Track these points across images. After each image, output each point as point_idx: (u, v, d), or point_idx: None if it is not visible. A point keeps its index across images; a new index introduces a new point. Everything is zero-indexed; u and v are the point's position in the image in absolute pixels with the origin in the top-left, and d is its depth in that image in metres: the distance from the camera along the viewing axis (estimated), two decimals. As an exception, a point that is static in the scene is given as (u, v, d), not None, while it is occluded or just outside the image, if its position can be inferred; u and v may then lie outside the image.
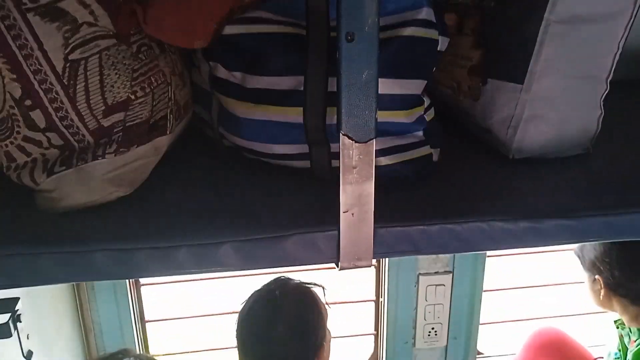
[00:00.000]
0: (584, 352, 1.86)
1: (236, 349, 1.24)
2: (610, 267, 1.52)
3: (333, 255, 0.76)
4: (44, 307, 1.39)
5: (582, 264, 1.61)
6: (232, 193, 0.84)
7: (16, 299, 0.98)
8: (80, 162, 0.74)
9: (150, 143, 0.78)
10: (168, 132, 0.81)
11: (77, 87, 0.71)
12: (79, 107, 0.71)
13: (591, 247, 1.55)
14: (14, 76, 0.68)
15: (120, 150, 0.75)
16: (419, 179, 0.86)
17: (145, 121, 0.77)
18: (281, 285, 1.25)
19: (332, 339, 1.28)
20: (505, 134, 0.91)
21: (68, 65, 0.69)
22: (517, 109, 0.88)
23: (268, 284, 1.26)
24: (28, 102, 0.70)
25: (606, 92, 0.90)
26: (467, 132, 1.04)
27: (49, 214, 0.76)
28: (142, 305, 1.75)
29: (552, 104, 0.88)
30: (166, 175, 0.85)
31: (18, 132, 0.72)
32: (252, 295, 1.26)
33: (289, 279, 1.28)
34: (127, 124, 0.75)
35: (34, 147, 0.73)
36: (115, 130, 0.74)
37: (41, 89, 0.69)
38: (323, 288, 1.29)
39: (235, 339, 1.23)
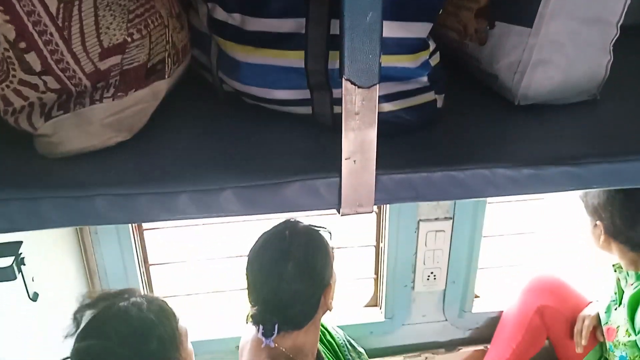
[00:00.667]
0: (580, 295, 1.90)
1: (245, 287, 1.28)
2: (612, 215, 1.54)
3: (334, 202, 0.76)
4: (48, 251, 1.41)
5: (585, 208, 1.62)
6: (233, 139, 0.84)
7: (19, 243, 0.99)
8: (78, 106, 0.73)
9: (148, 87, 0.77)
10: (166, 76, 0.80)
11: (72, 28, 0.69)
12: (74, 49, 0.70)
13: (595, 194, 1.56)
14: (7, 17, 0.66)
15: (118, 94, 0.74)
16: (422, 126, 0.85)
17: (143, 65, 0.76)
18: (291, 227, 1.28)
19: (336, 281, 1.32)
20: (512, 79, 0.89)
21: (62, 5, 0.67)
22: (525, 54, 0.86)
23: (278, 225, 1.30)
24: (22, 45, 0.68)
25: (616, 36, 0.88)
26: (473, 78, 1.02)
27: (49, 159, 0.76)
28: (146, 249, 1.78)
29: (560, 48, 0.86)
30: (165, 121, 0.84)
31: (14, 76, 0.71)
32: (262, 235, 1.29)
33: (298, 221, 1.31)
34: (124, 68, 0.74)
35: (30, 90, 0.72)
36: (112, 73, 0.73)
37: (35, 30, 0.68)
38: (330, 232, 1.33)
39: (245, 276, 1.27)
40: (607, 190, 1.52)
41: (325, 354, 1.45)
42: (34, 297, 1.13)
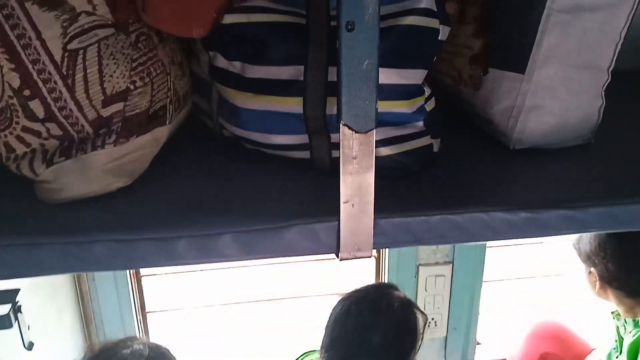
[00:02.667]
0: (583, 342, 1.87)
1: (319, 347, 1.22)
2: (605, 260, 1.53)
3: (333, 246, 0.76)
4: (44, 298, 1.39)
5: (579, 256, 1.62)
6: (232, 183, 0.84)
7: (16, 290, 0.98)
8: (80, 152, 0.73)
9: (149, 133, 0.78)
10: (167, 123, 0.81)
11: (76, 77, 0.70)
12: (77, 97, 0.71)
13: (587, 240, 1.56)
14: (13, 66, 0.68)
15: (120, 140, 0.74)
16: (419, 170, 0.86)
17: (145, 111, 0.77)
18: (388, 296, 1.21)
19: None
20: (506, 124, 0.90)
21: (67, 54, 0.69)
22: (518, 99, 0.88)
23: (376, 286, 1.24)
24: (27, 92, 0.69)
25: (608, 81, 0.90)
26: (468, 123, 1.03)
27: (49, 205, 0.76)
28: (143, 296, 1.76)
29: (553, 93, 0.88)
30: (166, 166, 0.84)
31: (17, 123, 0.72)
32: (353, 293, 1.23)
33: (396, 288, 1.24)
34: (126, 114, 0.75)
35: (33, 137, 0.73)
36: (114, 120, 0.74)
37: (40, 78, 0.69)
38: (426, 316, 1.24)
39: (325, 330, 1.21)
40: (599, 235, 1.51)
41: None
42: (29, 347, 1.11)
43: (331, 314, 1.22)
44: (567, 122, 0.90)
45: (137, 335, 1.72)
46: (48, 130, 0.73)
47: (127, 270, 1.61)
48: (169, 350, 1.12)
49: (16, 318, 0.97)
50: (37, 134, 0.73)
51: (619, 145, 0.98)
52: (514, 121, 0.89)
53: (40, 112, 0.71)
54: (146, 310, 1.79)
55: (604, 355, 1.71)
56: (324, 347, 1.20)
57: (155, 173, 0.82)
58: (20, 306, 0.99)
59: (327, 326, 1.21)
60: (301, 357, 1.48)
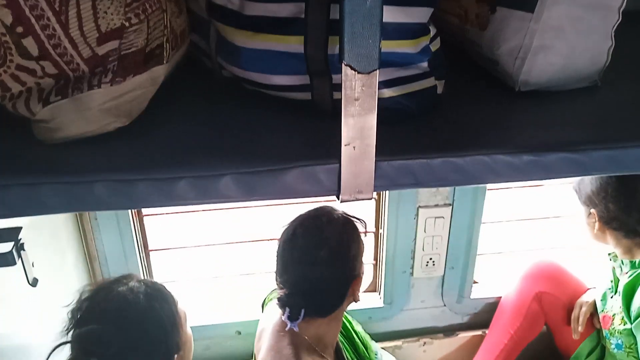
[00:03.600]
0: (578, 282, 1.91)
1: (274, 270, 1.28)
2: (605, 201, 1.55)
3: (334, 188, 0.76)
4: (47, 236, 1.41)
5: (579, 198, 1.63)
6: (232, 125, 0.83)
7: (19, 228, 0.99)
8: (76, 91, 0.72)
9: (146, 72, 0.76)
10: (165, 62, 0.79)
11: (69, 13, 0.68)
12: (71, 34, 0.69)
13: (588, 181, 1.57)
14: (4, 2, 0.66)
15: (116, 79, 0.73)
16: (422, 112, 0.84)
17: (141, 50, 0.75)
18: (327, 213, 1.28)
19: (364, 273, 1.32)
20: (513, 65, 0.88)
21: (59, -11, 0.66)
22: (526, 39, 0.86)
23: (314, 210, 1.30)
24: (20, 29, 0.67)
25: (618, 22, 0.87)
26: (473, 64, 1.01)
27: (48, 145, 0.75)
28: (146, 235, 1.78)
29: (561, 34, 0.85)
30: (164, 107, 0.83)
31: (11, 61, 0.70)
32: (296, 218, 1.29)
33: (334, 208, 1.31)
34: (122, 53, 0.73)
35: (28, 76, 0.72)
36: (110, 59, 0.72)
37: (32, 15, 0.67)
38: (364, 222, 1.32)
39: (275, 257, 1.27)
40: (600, 177, 1.52)
41: (344, 346, 1.45)
42: (34, 283, 1.13)
43: (279, 241, 1.27)
44: (575, 64, 0.88)
45: (141, 273, 1.75)
46: (43, 68, 0.71)
47: (129, 210, 1.63)
48: (164, 287, 1.14)
49: (19, 255, 0.98)
50: (32, 72, 0.71)
51: (626, 88, 0.96)
52: (521, 62, 0.87)
53: (34, 50, 0.69)
54: (149, 249, 1.81)
55: (599, 295, 1.75)
56: (278, 273, 1.27)
57: (154, 113, 0.81)
58: (23, 244, 1.00)
59: (277, 253, 1.27)
60: (270, 294, 1.54)
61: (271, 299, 1.49)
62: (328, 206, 1.32)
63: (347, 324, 1.53)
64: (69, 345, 1.03)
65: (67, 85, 0.73)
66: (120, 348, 1.02)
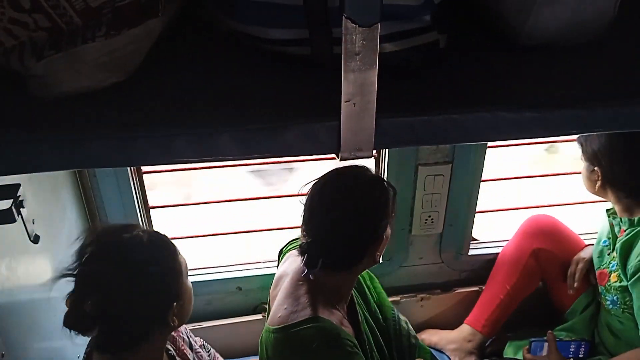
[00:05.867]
0: (575, 238, 1.92)
1: (301, 215, 1.32)
2: (611, 161, 1.54)
3: (333, 146, 0.75)
4: (46, 193, 1.41)
5: (583, 152, 1.62)
6: (230, 81, 0.82)
7: (17, 185, 0.99)
8: (70, 45, 0.71)
9: (141, 26, 0.74)
10: (160, 14, 0.77)
11: (61, -37, 0.66)
12: (63, -15, 0.67)
13: (595, 138, 1.55)
14: (-5, -47, 0.63)
15: (111, 33, 0.71)
16: (424, 67, 0.83)
17: (135, 2, 0.73)
18: (361, 173, 1.32)
19: (389, 237, 1.35)
20: (517, 18, 0.86)
21: (49, -62, 0.64)
22: (532, -9, 0.83)
23: (349, 167, 1.32)
24: (11, -19, 0.65)
25: (627, -26, 0.85)
26: (477, 17, 0.99)
27: (44, 101, 0.74)
28: (145, 192, 1.78)
29: (569, -15, 0.83)
30: (160, 62, 0.81)
31: (3, 14, 0.68)
32: (331, 171, 1.32)
33: (367, 168, 1.35)
34: (116, 5, 0.71)
35: (20, 29, 0.70)
36: (104, 11, 0.71)
37: (24, -34, 0.65)
38: (395, 189, 1.34)
39: (303, 205, 1.32)
40: (608, 136, 1.51)
41: (357, 300, 1.48)
42: (35, 240, 1.14)
43: (309, 191, 1.31)
44: (581, 17, 0.86)
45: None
46: (35, 21, 0.70)
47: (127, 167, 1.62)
48: (166, 237, 1.17)
49: (19, 212, 0.98)
50: (25, 25, 0.70)
51: (632, 44, 0.94)
52: (526, 15, 0.84)
53: (25, 2, 0.68)
54: (149, 205, 1.82)
55: (596, 252, 1.77)
56: (304, 221, 1.31)
57: (150, 69, 0.79)
58: (22, 201, 1.00)
59: (305, 202, 1.31)
60: (287, 245, 1.57)
61: (289, 249, 1.53)
62: (363, 165, 1.35)
63: (361, 279, 1.55)
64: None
65: (61, 39, 0.71)
66: (120, 289, 1.07)
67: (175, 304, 1.13)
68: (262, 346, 1.35)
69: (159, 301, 1.12)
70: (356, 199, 1.25)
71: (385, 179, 1.36)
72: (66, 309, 1.07)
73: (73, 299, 1.07)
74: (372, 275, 1.63)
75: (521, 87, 0.83)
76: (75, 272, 1.08)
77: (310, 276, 1.30)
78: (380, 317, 1.54)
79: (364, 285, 1.55)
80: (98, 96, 0.75)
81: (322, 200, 1.27)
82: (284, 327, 1.27)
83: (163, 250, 1.14)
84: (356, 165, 1.33)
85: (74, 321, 1.07)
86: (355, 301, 1.45)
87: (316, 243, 1.27)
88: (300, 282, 1.32)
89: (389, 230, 1.33)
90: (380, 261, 1.34)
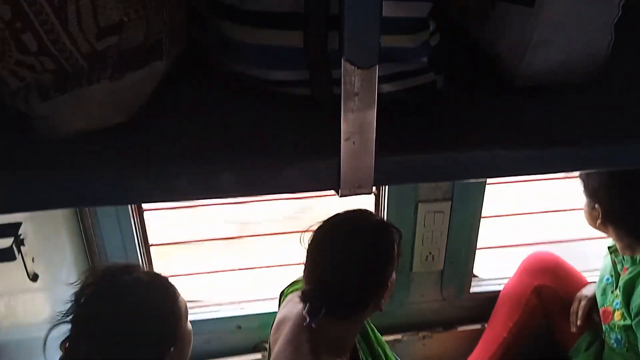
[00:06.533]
0: (577, 275, 1.91)
1: (304, 263, 1.28)
2: (612, 198, 1.54)
3: (333, 183, 0.76)
4: (47, 232, 1.41)
5: (584, 188, 1.62)
6: (231, 121, 0.83)
7: (18, 224, 1.00)
8: (75, 87, 0.72)
9: (146, 68, 0.76)
10: (164, 57, 0.79)
11: (68, 8, 0.68)
12: (70, 29, 0.69)
13: (595, 176, 1.56)
14: (3, -3, 0.65)
15: (116, 75, 0.73)
16: (422, 107, 0.84)
17: (140, 45, 0.75)
18: (366, 218, 1.29)
19: (394, 283, 1.32)
20: (512, 60, 0.88)
21: (57, -15, 0.66)
22: (526, 34, 0.85)
23: (353, 211, 1.30)
24: (18, 25, 0.67)
25: (618, 16, 0.87)
26: (473, 59, 1.01)
27: (48, 141, 0.75)
28: (146, 230, 1.78)
29: (561, 28, 0.85)
30: (164, 103, 0.83)
31: (10, 56, 0.70)
32: (333, 218, 1.29)
33: (372, 213, 1.33)
34: (121, 48, 0.73)
35: (27, 71, 0.71)
36: (109, 54, 0.72)
37: (31, 10, 0.66)
38: (400, 232, 1.31)
39: (306, 251, 1.28)
40: (608, 174, 1.52)
41: (363, 350, 1.44)
42: (34, 278, 1.14)
43: (311, 240, 1.27)
44: (575, 58, 0.88)
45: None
46: (42, 64, 0.71)
47: (129, 205, 1.63)
48: (167, 280, 1.16)
49: (19, 251, 0.98)
50: (31, 67, 0.71)
51: (626, 82, 0.96)
52: (521, 57, 0.87)
53: (32, 46, 0.69)
54: (149, 244, 1.82)
55: (599, 290, 1.75)
56: (306, 267, 1.27)
57: (153, 110, 0.80)
58: (23, 239, 1.01)
59: (307, 251, 1.27)
60: (289, 286, 1.53)
61: (291, 292, 1.49)
62: (367, 210, 1.32)
63: (368, 328, 1.51)
64: None
65: (66, 81, 0.72)
66: (115, 333, 1.05)
67: (173, 348, 1.12)
68: None
69: (156, 346, 1.10)
70: (361, 247, 1.22)
71: (390, 222, 1.32)
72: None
73: (68, 344, 1.05)
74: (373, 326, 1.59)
75: (518, 126, 0.84)
76: (71, 316, 1.06)
77: (313, 325, 1.25)
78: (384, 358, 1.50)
79: (367, 328, 1.51)
80: (101, 136, 0.76)
81: (325, 247, 1.24)
82: None
83: (163, 294, 1.12)
84: (360, 210, 1.30)
85: None
86: (358, 346, 1.41)
87: (318, 292, 1.24)
88: (302, 330, 1.28)
89: (394, 276, 1.30)
90: (384, 309, 1.30)
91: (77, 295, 1.07)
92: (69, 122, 0.74)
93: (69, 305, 1.06)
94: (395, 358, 1.55)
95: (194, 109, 0.86)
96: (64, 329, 1.06)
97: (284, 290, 1.55)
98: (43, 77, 0.72)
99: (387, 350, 1.55)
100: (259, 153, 0.75)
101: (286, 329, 1.33)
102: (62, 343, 1.05)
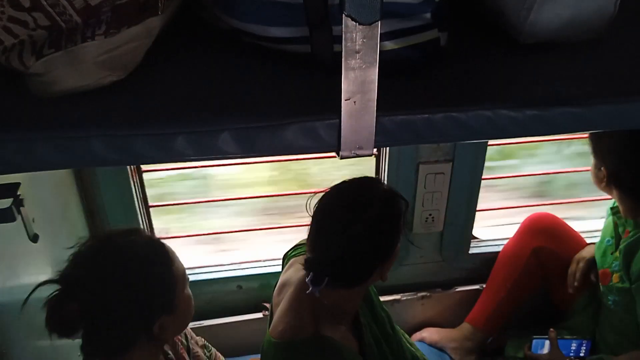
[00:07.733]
0: (576, 236, 1.92)
1: (307, 227, 1.26)
2: (619, 162, 1.53)
3: (334, 144, 0.75)
4: (47, 192, 1.41)
5: (592, 148, 1.61)
6: (230, 79, 0.81)
7: (17, 184, 0.99)
8: (70, 44, 0.70)
9: (141, 24, 0.74)
10: (159, 12, 0.76)
11: (60, -39, 0.66)
12: (63, -16, 0.67)
13: (605, 138, 1.54)
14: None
15: (110, 31, 0.71)
16: (424, 65, 0.82)
17: (135, 0, 0.72)
18: (374, 187, 1.25)
19: (398, 254, 1.29)
20: (518, 16, 0.86)
21: (48, -63, 0.64)
22: (533, -11, 0.83)
23: (359, 179, 1.27)
24: (9, -21, 0.65)
25: (627, -29, 0.84)
26: (478, 15, 0.98)
27: (44, 100, 0.74)
28: (145, 190, 1.78)
29: (569, -17, 0.82)
30: (160, 60, 0.81)
31: (3, 12, 0.68)
32: (341, 184, 1.26)
33: (379, 181, 1.30)
34: (115, 3, 0.71)
35: (20, 28, 0.70)
36: (103, 9, 0.70)
37: (22, -36, 0.65)
38: (407, 202, 1.28)
39: (310, 221, 1.25)
40: (617, 137, 1.50)
41: (365, 315, 1.44)
42: (34, 239, 1.14)
43: (317, 206, 1.25)
44: (581, 15, 0.86)
45: (141, 227, 1.76)
46: (35, 20, 0.69)
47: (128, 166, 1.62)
48: (164, 245, 1.14)
49: (18, 211, 0.98)
50: (24, 24, 0.69)
51: (632, 41, 0.94)
52: (527, 13, 0.84)
53: (25, 1, 0.67)
54: (149, 204, 1.82)
55: (599, 251, 1.76)
56: (310, 236, 1.25)
57: (149, 67, 0.79)
58: (22, 199, 1.00)
59: (312, 217, 1.25)
60: (292, 249, 1.53)
61: (294, 255, 1.48)
62: (374, 178, 1.31)
63: (371, 292, 1.50)
64: None
65: (60, 37, 0.71)
66: (101, 299, 1.03)
67: (164, 315, 1.10)
68: (263, 356, 1.32)
69: (147, 311, 1.08)
70: (366, 218, 1.18)
71: (398, 192, 1.27)
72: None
73: (54, 303, 1.03)
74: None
75: (522, 84, 0.83)
76: (60, 275, 1.05)
77: (315, 293, 1.23)
78: (388, 324, 1.49)
79: (370, 291, 1.50)
80: (96, 93, 0.74)
81: (331, 216, 1.21)
82: (285, 343, 1.24)
83: (157, 258, 1.10)
84: (367, 178, 1.28)
85: (56, 324, 1.04)
86: (360, 312, 1.41)
87: (322, 261, 1.21)
88: (303, 296, 1.27)
89: (398, 246, 1.28)
90: (387, 279, 1.28)
91: (72, 258, 1.06)
92: (63, 80, 0.72)
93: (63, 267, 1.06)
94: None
95: (191, 67, 0.84)
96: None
97: (287, 252, 1.54)
98: (36, 33, 0.71)
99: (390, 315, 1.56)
100: (258, 113, 0.74)
101: (288, 294, 1.33)
102: (48, 301, 1.03)
